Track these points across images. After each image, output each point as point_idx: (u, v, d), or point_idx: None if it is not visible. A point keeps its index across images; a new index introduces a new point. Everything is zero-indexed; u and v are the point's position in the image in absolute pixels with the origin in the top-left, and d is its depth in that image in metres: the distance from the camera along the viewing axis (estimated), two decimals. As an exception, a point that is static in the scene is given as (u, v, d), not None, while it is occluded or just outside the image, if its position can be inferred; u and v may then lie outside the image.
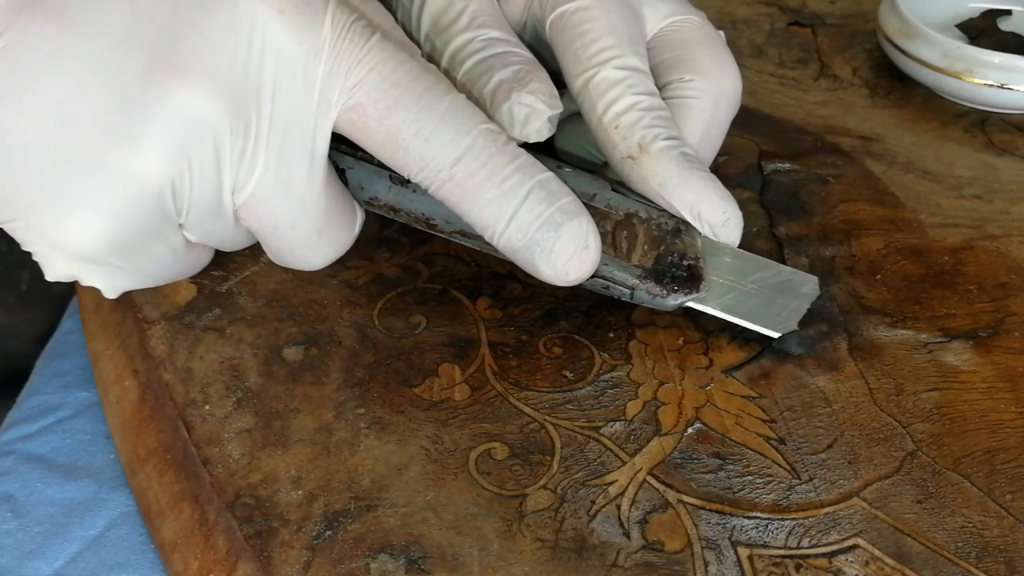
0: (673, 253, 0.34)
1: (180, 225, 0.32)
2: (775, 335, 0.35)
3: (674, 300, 0.34)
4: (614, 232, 0.34)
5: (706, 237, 0.35)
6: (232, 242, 0.34)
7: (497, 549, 0.29)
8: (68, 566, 0.33)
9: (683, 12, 0.39)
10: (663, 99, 0.37)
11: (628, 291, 0.34)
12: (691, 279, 0.34)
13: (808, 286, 0.36)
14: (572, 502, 0.31)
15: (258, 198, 0.31)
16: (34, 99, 0.28)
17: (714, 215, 0.35)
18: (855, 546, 0.30)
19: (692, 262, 0.34)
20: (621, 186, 0.35)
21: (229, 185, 0.31)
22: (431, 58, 0.38)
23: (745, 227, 0.41)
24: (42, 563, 0.33)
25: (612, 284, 0.34)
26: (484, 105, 0.35)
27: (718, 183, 0.35)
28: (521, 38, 0.40)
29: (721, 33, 0.40)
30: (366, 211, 0.35)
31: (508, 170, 0.31)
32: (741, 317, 0.35)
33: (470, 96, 0.36)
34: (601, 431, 0.33)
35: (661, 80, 0.38)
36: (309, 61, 0.30)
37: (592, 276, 0.33)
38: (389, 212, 0.35)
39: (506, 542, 0.30)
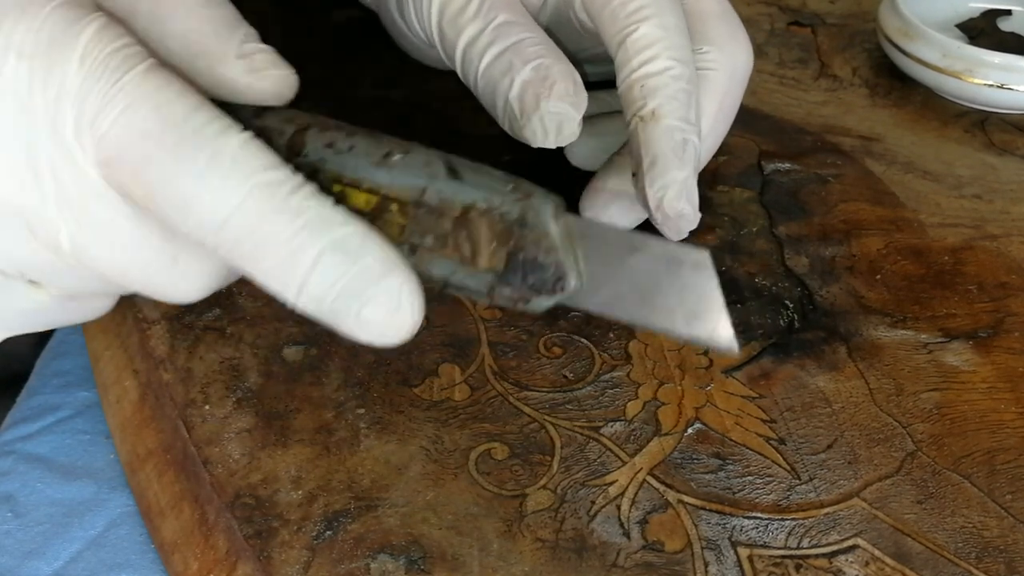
0: (525, 248, 0.28)
1: (33, 282, 0.29)
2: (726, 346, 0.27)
3: (539, 303, 0.28)
4: (454, 232, 0.28)
5: (577, 217, 0.29)
6: (113, 288, 0.30)
7: (497, 549, 0.29)
8: (68, 566, 0.33)
9: None
10: None
11: (485, 298, 0.29)
12: (554, 276, 0.28)
13: (697, 258, 0.28)
14: (572, 502, 0.31)
15: (80, 249, 0.27)
16: None
17: (671, 207, 0.34)
18: (855, 546, 0.30)
19: (549, 255, 0.28)
20: (459, 168, 0.28)
21: (46, 243, 0.27)
22: (443, 50, 0.38)
23: (745, 227, 0.41)
24: (42, 563, 0.33)
25: (465, 292, 0.29)
26: (512, 113, 0.35)
27: (693, 184, 0.35)
28: (541, 16, 0.40)
29: None
30: None
31: (287, 233, 0.25)
32: (632, 316, 0.29)
33: (494, 102, 0.36)
34: (601, 431, 0.33)
35: None
36: (53, 112, 0.25)
37: (444, 287, 0.29)
38: None
39: (506, 542, 0.30)
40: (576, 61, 0.40)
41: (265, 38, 0.30)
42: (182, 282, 0.28)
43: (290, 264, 0.25)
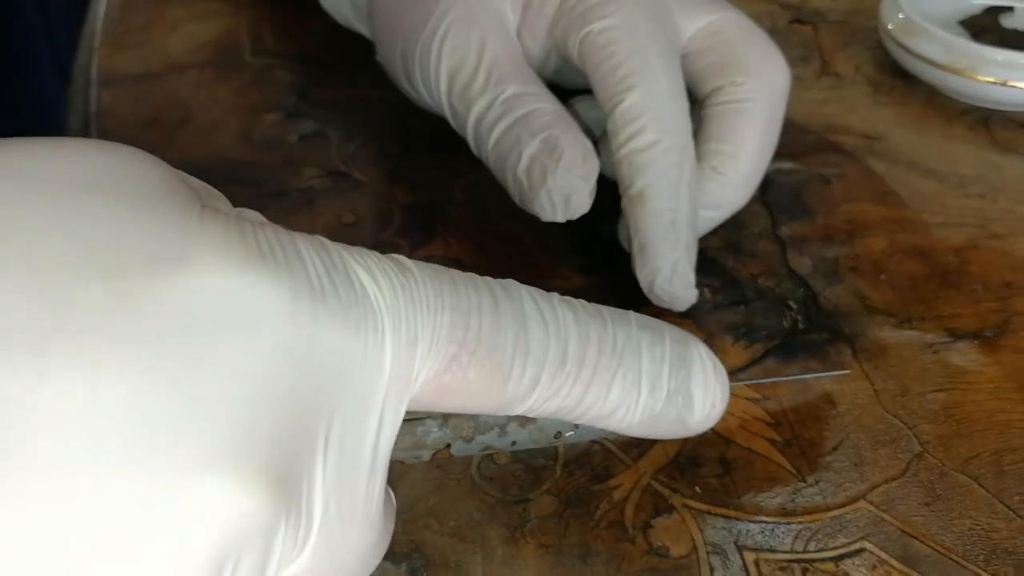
0: None
1: None
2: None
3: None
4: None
5: None
6: None
7: (501, 556, 0.29)
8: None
9: (719, 11, 0.38)
10: (715, 105, 0.37)
11: None
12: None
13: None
14: (576, 507, 0.30)
15: (314, 561, 0.22)
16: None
17: (662, 292, 0.34)
18: (862, 549, 0.29)
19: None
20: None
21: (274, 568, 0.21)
22: (455, 125, 0.37)
23: (748, 228, 0.41)
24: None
25: None
26: (521, 187, 0.34)
27: (684, 265, 0.34)
28: (546, 68, 0.39)
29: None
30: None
31: (610, 333, 0.26)
32: None
33: (504, 176, 0.35)
34: (604, 435, 0.32)
35: (710, 85, 0.37)
36: (371, 351, 0.22)
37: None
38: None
39: (509, 548, 0.29)
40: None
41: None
42: (373, 562, 0.25)
43: (625, 362, 0.26)
